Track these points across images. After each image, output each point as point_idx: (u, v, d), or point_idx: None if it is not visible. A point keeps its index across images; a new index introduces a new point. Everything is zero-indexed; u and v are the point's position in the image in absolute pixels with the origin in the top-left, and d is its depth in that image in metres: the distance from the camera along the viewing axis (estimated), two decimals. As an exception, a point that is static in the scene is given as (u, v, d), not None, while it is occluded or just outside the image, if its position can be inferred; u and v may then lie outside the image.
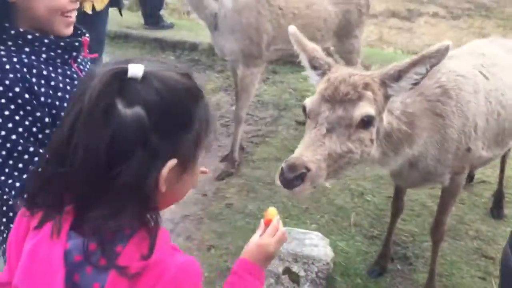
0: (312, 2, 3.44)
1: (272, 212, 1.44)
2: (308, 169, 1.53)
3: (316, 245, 2.76)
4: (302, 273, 2.63)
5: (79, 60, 1.51)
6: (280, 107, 4.82)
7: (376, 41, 7.03)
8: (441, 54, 1.59)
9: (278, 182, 1.56)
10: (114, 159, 0.85)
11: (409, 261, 2.88)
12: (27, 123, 1.32)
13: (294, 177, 1.50)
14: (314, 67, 1.79)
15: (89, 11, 3.17)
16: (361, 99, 1.61)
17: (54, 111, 1.38)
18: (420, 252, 2.94)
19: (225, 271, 2.75)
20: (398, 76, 1.64)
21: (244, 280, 1.19)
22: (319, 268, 2.64)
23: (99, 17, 3.35)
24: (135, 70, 0.87)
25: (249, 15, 3.28)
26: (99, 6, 3.24)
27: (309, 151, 1.56)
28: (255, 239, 1.30)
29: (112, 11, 7.18)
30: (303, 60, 1.80)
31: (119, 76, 0.86)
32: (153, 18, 6.45)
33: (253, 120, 4.55)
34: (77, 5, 1.40)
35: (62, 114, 1.32)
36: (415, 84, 1.65)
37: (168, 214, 3.23)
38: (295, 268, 2.65)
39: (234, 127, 3.72)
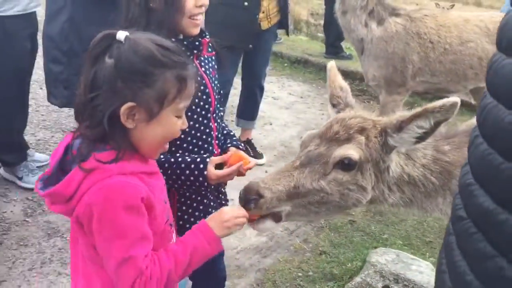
0: (469, 39, 3.40)
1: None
2: (261, 196, 1.50)
3: (422, 272, 2.77)
4: (399, 294, 2.67)
5: (202, 58, 1.85)
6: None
7: None
8: (445, 110, 1.46)
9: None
10: (92, 90, 1.27)
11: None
12: None
13: (247, 199, 1.50)
14: (333, 105, 1.78)
15: (263, 28, 3.74)
16: (349, 141, 1.56)
17: None
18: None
19: (328, 275, 2.94)
20: (399, 127, 1.54)
21: (194, 236, 1.41)
22: (418, 293, 2.65)
23: (265, 35, 3.85)
24: (120, 35, 1.28)
25: (397, 45, 3.41)
26: (265, 26, 3.78)
27: (273, 179, 1.55)
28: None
29: (298, 40, 7.87)
30: (327, 92, 1.80)
31: (109, 36, 1.29)
32: (333, 48, 6.90)
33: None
34: (202, 10, 1.76)
35: None
36: (421, 138, 1.54)
37: (292, 216, 3.54)
38: (394, 287, 2.71)
39: None
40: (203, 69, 1.85)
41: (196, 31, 1.78)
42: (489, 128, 0.97)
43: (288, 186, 1.53)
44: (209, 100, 1.85)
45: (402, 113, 1.58)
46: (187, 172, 1.74)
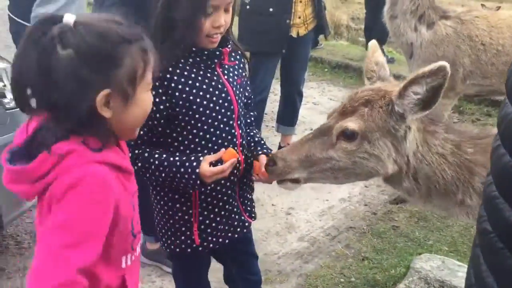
0: None
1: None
2: (275, 164, 1.74)
3: (468, 280, 2.68)
4: (444, 301, 2.60)
5: (226, 66, 1.87)
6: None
7: None
8: (434, 74, 1.53)
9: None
10: (49, 86, 1.15)
11: None
12: (161, 106, 1.75)
13: (268, 165, 1.76)
14: (368, 79, 1.85)
15: (294, 35, 3.75)
16: (353, 114, 1.68)
17: (187, 103, 1.76)
18: None
19: (371, 281, 2.90)
20: (400, 94, 1.62)
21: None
22: (464, 301, 2.57)
23: (302, 41, 3.87)
24: (68, 18, 1.16)
25: (447, 49, 3.34)
26: (302, 32, 3.79)
27: (287, 150, 1.78)
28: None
29: (338, 45, 7.82)
30: (365, 65, 1.90)
31: (53, 19, 1.17)
32: (375, 52, 6.80)
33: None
34: (220, 30, 1.74)
35: (195, 106, 1.77)
36: (419, 105, 1.60)
37: (333, 222, 3.52)
38: (439, 294, 2.64)
39: None
40: (225, 77, 1.86)
41: (214, 46, 1.80)
42: (511, 140, 0.91)
43: (300, 156, 1.72)
44: (232, 107, 1.86)
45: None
46: (181, 170, 1.75)
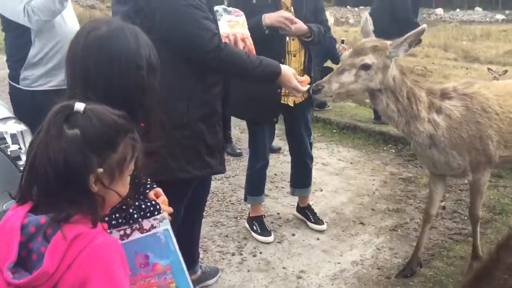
0: None
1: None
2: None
3: None
4: None
5: None
6: (495, 211, 4.54)
7: None
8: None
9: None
10: (56, 166, 1.26)
11: None
12: None
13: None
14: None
15: (291, 104, 3.76)
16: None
17: None
18: None
19: None
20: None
21: None
22: None
23: (300, 108, 3.86)
24: (79, 106, 1.32)
25: (469, 128, 3.12)
26: (298, 101, 3.77)
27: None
28: None
29: (345, 106, 7.93)
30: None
31: (67, 107, 1.32)
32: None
33: (461, 218, 4.41)
34: None
35: None
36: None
37: (346, 287, 3.43)
38: None
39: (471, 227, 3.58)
40: None
41: None
42: None
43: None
44: None
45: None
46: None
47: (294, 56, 3.69)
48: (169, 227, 1.75)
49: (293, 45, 3.67)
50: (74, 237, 1.24)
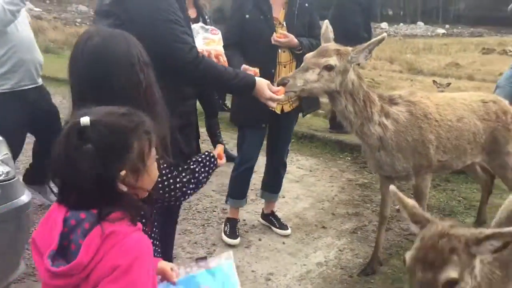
0: (462, 115, 3.53)
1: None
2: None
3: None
4: None
5: None
6: (445, 212, 4.89)
7: None
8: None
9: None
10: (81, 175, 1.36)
11: None
12: None
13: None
14: (415, 222, 1.97)
15: (278, 112, 3.95)
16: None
17: None
18: None
19: None
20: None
21: None
22: None
23: (287, 116, 4.08)
24: (84, 121, 1.37)
25: (412, 131, 3.35)
26: (286, 109, 3.99)
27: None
28: None
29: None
30: (405, 215, 2.00)
31: (75, 126, 1.38)
32: (338, 124, 7.17)
33: (414, 220, 4.71)
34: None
35: None
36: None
37: (312, 286, 3.62)
38: None
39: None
40: None
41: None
42: None
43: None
44: None
45: (481, 230, 1.84)
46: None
47: (285, 67, 3.92)
48: (232, 261, 1.97)
49: (284, 56, 3.89)
50: (109, 233, 1.34)
